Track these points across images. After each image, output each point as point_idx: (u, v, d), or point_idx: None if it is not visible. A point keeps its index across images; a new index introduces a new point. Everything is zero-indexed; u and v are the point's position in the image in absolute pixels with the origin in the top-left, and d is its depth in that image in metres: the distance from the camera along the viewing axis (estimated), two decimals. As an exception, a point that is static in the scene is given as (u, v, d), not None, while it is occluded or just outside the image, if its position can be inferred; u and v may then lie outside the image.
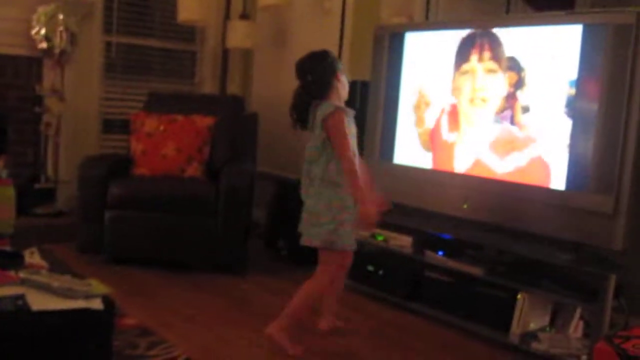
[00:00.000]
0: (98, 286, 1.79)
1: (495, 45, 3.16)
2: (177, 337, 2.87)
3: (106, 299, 1.76)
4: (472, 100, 3.26)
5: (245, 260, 3.96)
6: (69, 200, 4.57)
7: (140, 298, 3.38)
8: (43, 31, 4.36)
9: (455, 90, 3.34)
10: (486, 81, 3.20)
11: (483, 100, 3.21)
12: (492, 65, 3.17)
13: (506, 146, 3.11)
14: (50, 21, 4.35)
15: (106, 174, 3.89)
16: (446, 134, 3.39)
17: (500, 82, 3.13)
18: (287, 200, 4.32)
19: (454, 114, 3.34)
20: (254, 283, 3.80)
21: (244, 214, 3.90)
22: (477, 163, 3.24)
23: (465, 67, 3.29)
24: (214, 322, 3.12)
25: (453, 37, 3.36)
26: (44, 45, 4.38)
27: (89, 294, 1.73)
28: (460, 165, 3.32)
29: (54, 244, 4.10)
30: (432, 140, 3.47)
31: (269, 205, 4.48)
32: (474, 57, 3.25)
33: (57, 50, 4.40)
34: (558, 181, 2.90)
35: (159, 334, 2.87)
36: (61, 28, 4.38)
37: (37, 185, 4.51)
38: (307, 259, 4.16)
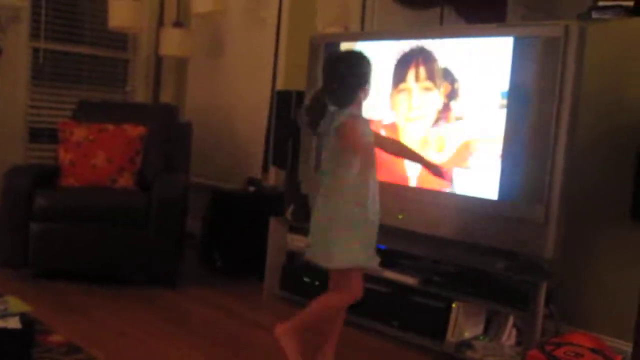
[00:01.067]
0: (16, 304, 1.70)
1: (430, 61, 3.18)
2: (107, 354, 2.76)
3: (25, 318, 1.66)
4: (408, 118, 3.27)
5: (179, 272, 3.86)
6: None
7: (69, 314, 3.25)
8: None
9: (393, 107, 3.34)
10: (422, 99, 3.21)
11: (419, 117, 3.23)
12: (428, 84, 3.19)
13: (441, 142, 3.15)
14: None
15: (32, 184, 3.73)
16: None
17: (436, 99, 3.15)
18: (222, 211, 4.26)
19: (392, 129, 3.34)
20: (188, 296, 3.71)
21: (177, 225, 3.81)
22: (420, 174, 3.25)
23: (402, 86, 3.30)
24: (147, 338, 3.03)
25: (389, 48, 3.37)
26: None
27: (5, 313, 1.63)
28: (400, 177, 3.33)
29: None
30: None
31: (204, 216, 4.40)
32: (410, 76, 3.26)
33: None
34: (491, 191, 2.93)
35: (87, 352, 2.75)
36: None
37: (-43, 197, 4.29)
38: (241, 270, 4.13)
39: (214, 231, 4.27)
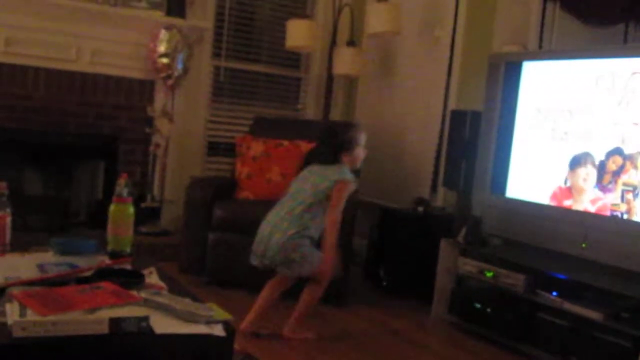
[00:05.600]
0: (219, 311, 1.76)
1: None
2: (280, 366, 2.83)
3: (227, 326, 1.72)
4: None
5: (346, 289, 3.88)
6: (173, 220, 4.65)
7: (240, 323, 3.35)
8: (165, 56, 4.48)
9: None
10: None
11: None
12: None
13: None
14: (170, 46, 4.46)
15: (212, 196, 3.93)
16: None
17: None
18: (389, 229, 4.24)
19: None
20: (355, 314, 3.72)
21: (346, 242, 3.83)
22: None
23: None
24: (316, 353, 3.06)
25: (578, 69, 3.21)
26: (164, 69, 4.49)
27: (210, 319, 1.70)
28: (583, 203, 3.15)
29: (158, 262, 4.18)
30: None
31: (370, 235, 4.41)
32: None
33: (175, 74, 4.51)
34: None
35: (262, 362, 2.83)
36: (181, 53, 4.50)
37: (143, 204, 4.60)
38: (406, 291, 4.08)
39: (381, 250, 4.26)
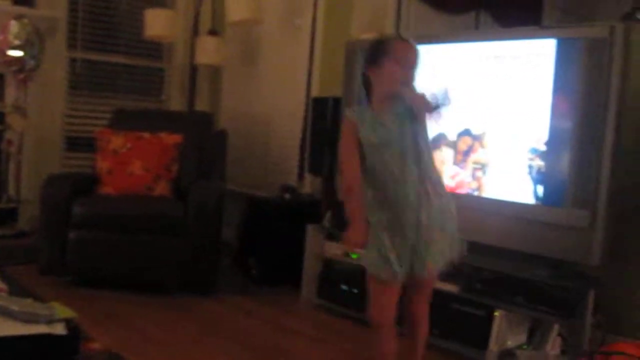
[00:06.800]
0: (61, 310, 1.69)
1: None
2: (146, 362, 2.76)
3: (70, 324, 1.66)
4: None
5: (215, 280, 3.85)
6: (31, 220, 4.43)
7: (107, 321, 3.25)
8: (16, 49, 4.23)
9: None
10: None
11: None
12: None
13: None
14: (21, 37, 4.22)
15: (70, 192, 3.76)
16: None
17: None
18: (258, 218, 4.24)
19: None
20: (225, 304, 3.69)
21: (214, 232, 3.80)
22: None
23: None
24: (186, 346, 3.02)
25: (432, 54, 3.33)
26: (15, 61, 4.24)
27: (51, 319, 1.63)
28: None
29: (16, 265, 3.96)
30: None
31: (239, 224, 4.39)
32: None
33: (27, 67, 4.27)
34: (534, 196, 2.87)
35: (127, 359, 2.75)
36: (33, 44, 4.27)
37: (-3, 205, 4.36)
38: (277, 278, 4.11)
39: (250, 239, 4.26)
